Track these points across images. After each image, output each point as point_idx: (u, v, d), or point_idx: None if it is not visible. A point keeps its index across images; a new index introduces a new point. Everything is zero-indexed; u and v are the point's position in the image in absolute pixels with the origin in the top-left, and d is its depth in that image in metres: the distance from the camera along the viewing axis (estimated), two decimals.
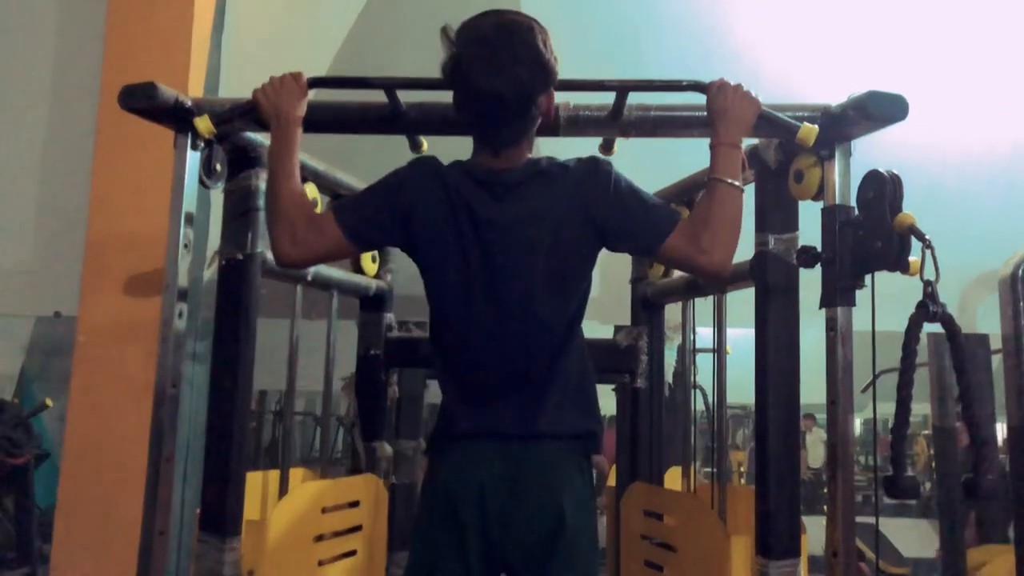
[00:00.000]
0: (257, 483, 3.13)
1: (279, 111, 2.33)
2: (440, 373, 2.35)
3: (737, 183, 2.24)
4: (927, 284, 2.34)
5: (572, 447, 2.27)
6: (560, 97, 2.42)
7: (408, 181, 2.27)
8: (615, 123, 2.57)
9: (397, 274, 3.70)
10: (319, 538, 3.05)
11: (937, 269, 2.32)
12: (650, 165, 3.38)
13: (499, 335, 2.23)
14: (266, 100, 2.34)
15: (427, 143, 2.72)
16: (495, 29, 2.16)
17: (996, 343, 4.27)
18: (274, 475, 3.20)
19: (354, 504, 3.24)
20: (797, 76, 4.14)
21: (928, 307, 2.33)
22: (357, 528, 3.23)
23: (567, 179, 2.24)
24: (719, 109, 2.29)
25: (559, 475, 2.22)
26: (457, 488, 2.21)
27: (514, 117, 2.19)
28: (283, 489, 3.13)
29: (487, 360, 2.25)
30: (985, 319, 4.11)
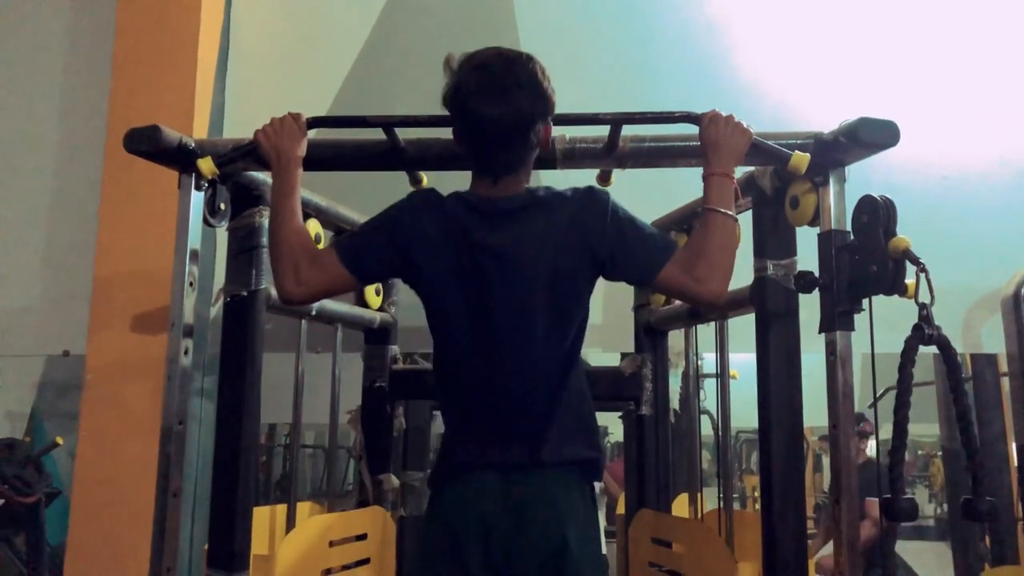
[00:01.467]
0: (264, 518, 3.14)
1: (279, 151, 2.37)
2: (442, 404, 2.38)
3: (730, 212, 2.27)
4: (922, 307, 2.35)
5: (574, 476, 2.27)
6: (556, 131, 2.45)
7: (406, 213, 2.30)
8: (611, 155, 2.60)
9: (401, 306, 3.72)
10: (327, 572, 3.05)
11: (932, 292, 2.33)
12: (649, 193, 3.42)
13: (499, 364, 2.25)
14: (267, 141, 2.38)
15: (426, 178, 2.76)
16: (496, 58, 2.20)
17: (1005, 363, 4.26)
18: (281, 509, 3.21)
19: (362, 537, 3.25)
20: (795, 99, 4.16)
21: (924, 330, 2.35)
22: (365, 561, 3.24)
23: (564, 208, 2.26)
24: (711, 140, 2.32)
25: (562, 504, 2.22)
26: (459, 521, 2.22)
27: (513, 143, 2.21)
28: (290, 523, 3.15)
29: (487, 390, 2.27)
30: (990, 339, 4.09)
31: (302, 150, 2.41)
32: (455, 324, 2.28)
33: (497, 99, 2.15)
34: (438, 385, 2.39)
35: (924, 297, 2.34)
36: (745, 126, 2.34)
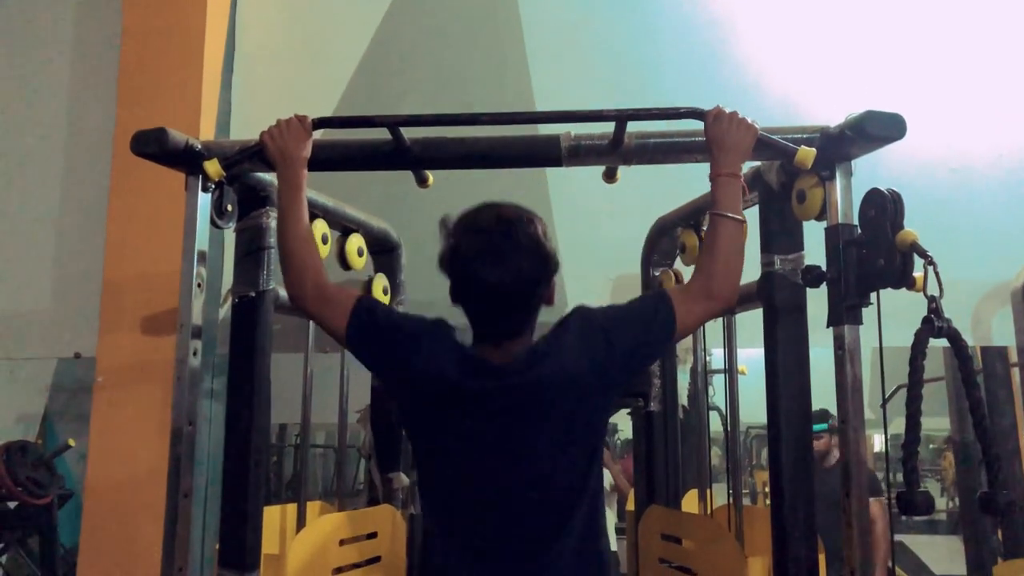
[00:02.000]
0: (275, 517, 3.15)
1: (285, 153, 2.37)
2: (432, 535, 2.24)
3: (739, 217, 2.26)
4: (931, 300, 2.34)
5: None
6: (561, 128, 2.45)
7: (427, 342, 2.19)
8: (616, 151, 2.60)
9: (409, 306, 3.73)
10: (338, 570, 3.06)
11: (940, 284, 2.32)
12: (654, 188, 3.43)
13: (503, 504, 2.14)
14: (272, 142, 2.39)
15: (432, 177, 2.77)
16: (495, 221, 2.13)
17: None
18: (292, 509, 3.22)
19: (372, 535, 3.25)
20: (800, 93, 4.15)
21: (934, 322, 2.34)
22: (376, 559, 3.25)
23: (563, 354, 2.14)
24: (716, 137, 2.31)
25: None
26: None
27: (515, 308, 2.15)
28: (301, 522, 3.15)
29: (488, 527, 2.16)
30: (999, 332, 4.08)
31: (307, 151, 2.41)
32: (454, 468, 2.18)
33: (497, 264, 2.07)
34: (427, 513, 2.26)
35: (933, 290, 2.33)
36: (750, 122, 2.33)
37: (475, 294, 2.14)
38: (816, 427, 5.88)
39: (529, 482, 2.13)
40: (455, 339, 2.21)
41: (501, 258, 2.07)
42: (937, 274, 2.32)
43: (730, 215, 2.25)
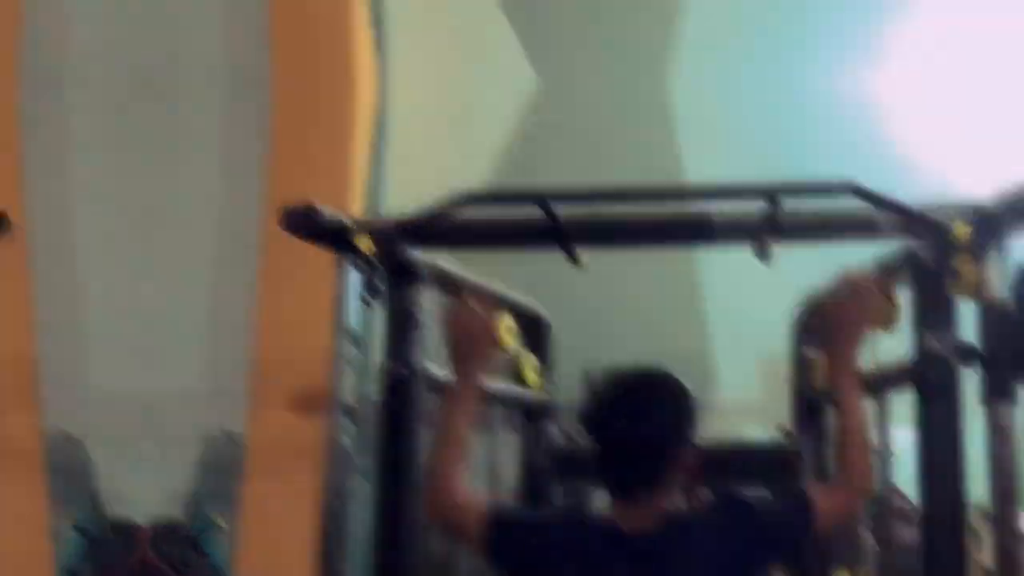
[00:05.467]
0: None
1: (466, 365, 2.27)
2: None
3: (860, 409, 2.25)
4: None
5: None
6: (712, 206, 2.45)
7: (554, 533, 2.21)
8: (769, 229, 2.57)
9: (559, 381, 3.69)
10: None
11: None
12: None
13: None
14: (456, 342, 2.29)
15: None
16: (638, 379, 2.17)
17: None
18: None
19: None
20: (955, 169, 4.09)
21: None
22: None
23: (707, 537, 2.14)
24: (839, 319, 2.29)
25: None
26: None
27: (647, 467, 2.12)
28: None
29: None
30: None
31: (487, 369, 2.36)
32: None
33: (633, 422, 2.09)
34: None
35: None
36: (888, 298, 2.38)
37: (609, 449, 2.15)
38: None
39: None
40: (585, 517, 2.32)
41: (638, 416, 2.09)
42: None
43: (858, 417, 2.24)
